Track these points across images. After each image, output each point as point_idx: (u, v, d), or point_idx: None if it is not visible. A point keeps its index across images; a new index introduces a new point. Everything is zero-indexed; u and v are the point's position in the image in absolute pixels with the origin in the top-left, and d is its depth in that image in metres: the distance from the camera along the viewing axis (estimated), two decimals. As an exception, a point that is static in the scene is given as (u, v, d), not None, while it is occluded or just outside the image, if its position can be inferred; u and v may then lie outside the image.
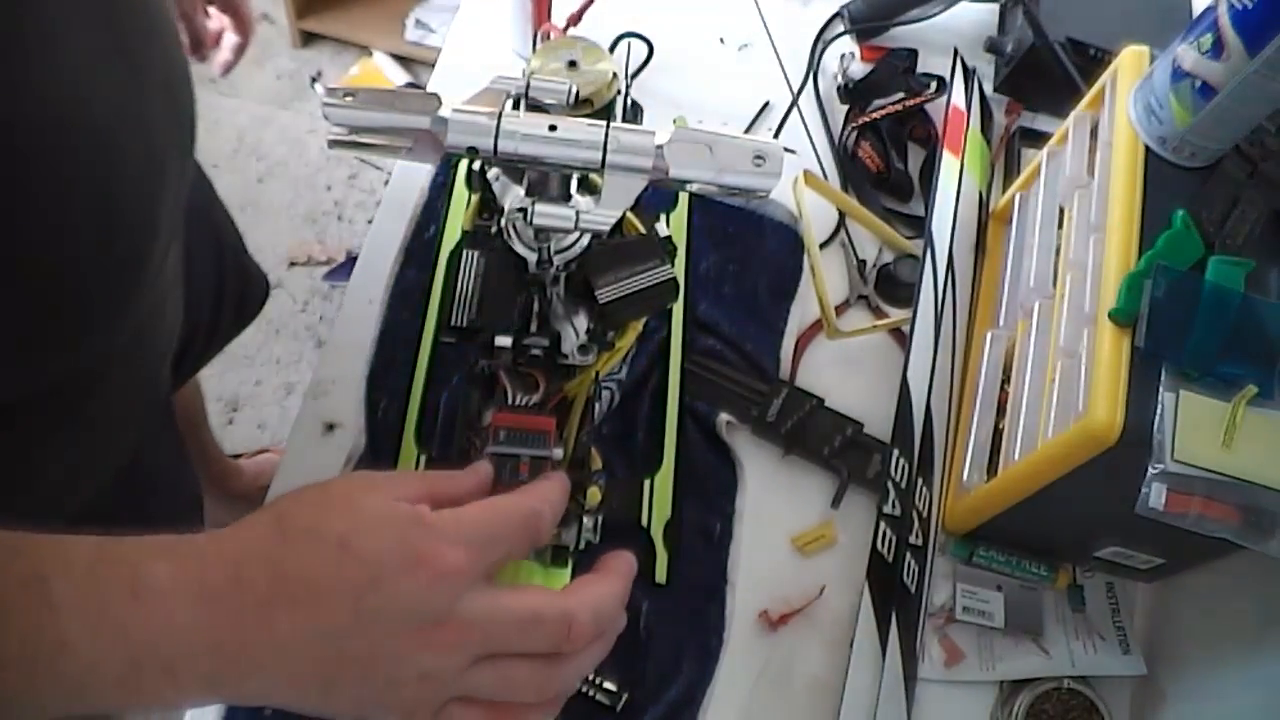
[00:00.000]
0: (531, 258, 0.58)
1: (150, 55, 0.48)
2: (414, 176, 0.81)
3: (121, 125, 0.45)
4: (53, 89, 0.40)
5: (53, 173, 0.41)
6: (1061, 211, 0.69)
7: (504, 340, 0.56)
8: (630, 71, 0.86)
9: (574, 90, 0.56)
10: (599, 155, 0.49)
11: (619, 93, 0.66)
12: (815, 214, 0.79)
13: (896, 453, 0.71)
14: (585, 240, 0.58)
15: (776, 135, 0.89)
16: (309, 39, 1.94)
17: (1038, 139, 0.88)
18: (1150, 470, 0.53)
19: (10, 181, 0.39)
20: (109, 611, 0.34)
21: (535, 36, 0.83)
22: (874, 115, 0.88)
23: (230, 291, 0.82)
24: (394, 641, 0.37)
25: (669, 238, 0.64)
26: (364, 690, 0.37)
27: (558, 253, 0.57)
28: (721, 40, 0.94)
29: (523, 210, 0.54)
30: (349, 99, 0.48)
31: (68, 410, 0.52)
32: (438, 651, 0.37)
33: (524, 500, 0.42)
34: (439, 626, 0.37)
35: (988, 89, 0.92)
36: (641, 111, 0.78)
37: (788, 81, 0.91)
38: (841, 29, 0.94)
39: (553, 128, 0.49)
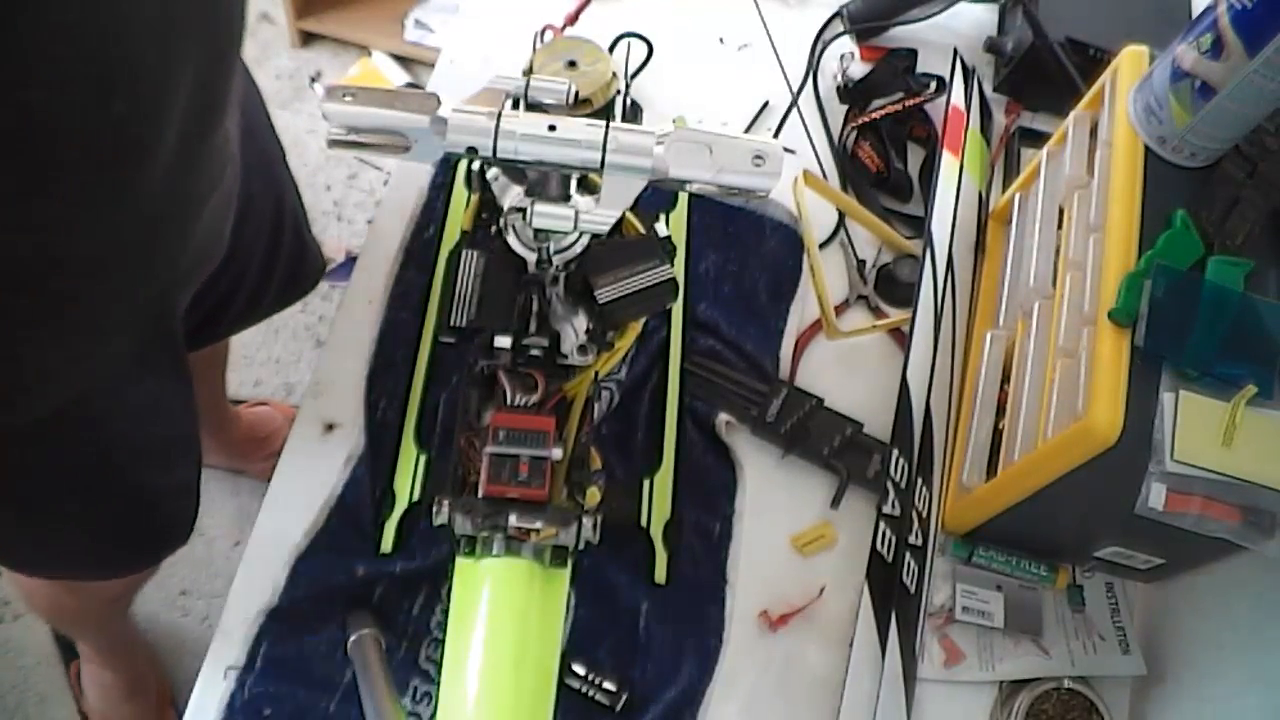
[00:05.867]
0: (531, 258, 0.58)
1: None
2: (414, 176, 0.81)
3: None
4: None
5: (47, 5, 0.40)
6: (1061, 211, 0.69)
7: (503, 340, 0.56)
8: (630, 71, 0.86)
9: (573, 90, 0.56)
10: (598, 155, 0.49)
11: (618, 93, 0.66)
12: (815, 214, 0.79)
13: (896, 453, 0.71)
14: (585, 240, 0.58)
15: (776, 135, 0.89)
16: (308, 39, 1.94)
17: (1037, 139, 0.88)
18: (1150, 470, 0.53)
19: None
20: None
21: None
22: (874, 115, 0.88)
23: (286, 255, 0.82)
24: None
25: (669, 238, 0.64)
26: None
27: (557, 253, 0.57)
28: (721, 40, 0.94)
29: (522, 210, 0.54)
30: (348, 99, 0.48)
31: (50, 299, 0.51)
32: None
33: None
34: None
35: (987, 89, 0.92)
36: (641, 111, 0.78)
37: (787, 82, 0.91)
38: (841, 29, 0.93)
39: (552, 128, 0.49)
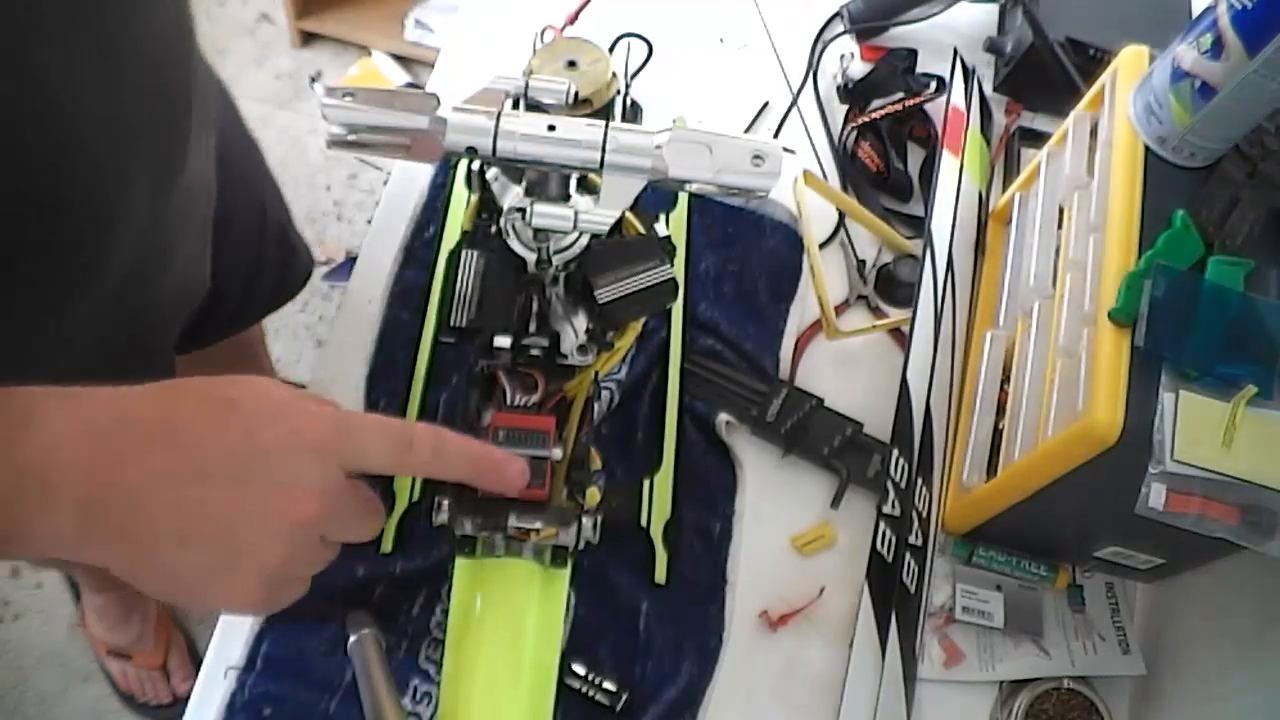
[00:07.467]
0: (531, 258, 0.58)
1: (128, 37, 0.47)
2: (414, 176, 0.81)
3: (78, 105, 0.44)
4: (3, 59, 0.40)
5: None
6: (1061, 211, 0.69)
7: (503, 340, 0.56)
8: (630, 71, 0.85)
9: (573, 90, 0.56)
10: (598, 155, 0.49)
11: (618, 93, 0.66)
12: (815, 214, 0.79)
13: (896, 453, 0.71)
14: (584, 240, 0.58)
15: (776, 135, 0.89)
16: (308, 39, 1.94)
17: (1038, 139, 0.88)
18: (1150, 470, 0.53)
19: None
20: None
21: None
22: (874, 115, 0.88)
23: (270, 264, 0.83)
24: (258, 500, 0.39)
25: (668, 238, 0.64)
26: (217, 551, 0.38)
27: (557, 253, 0.57)
28: (721, 40, 0.94)
29: (522, 210, 0.54)
30: (348, 99, 0.48)
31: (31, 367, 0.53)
32: (296, 521, 0.39)
33: (406, 423, 0.44)
34: (300, 494, 0.39)
35: (987, 89, 0.92)
36: (641, 111, 0.78)
37: (787, 81, 0.91)
38: (841, 29, 0.93)
39: (552, 128, 0.49)
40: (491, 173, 0.61)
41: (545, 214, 0.52)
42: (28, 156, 0.43)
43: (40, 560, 1.18)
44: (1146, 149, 0.61)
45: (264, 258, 0.81)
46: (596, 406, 0.66)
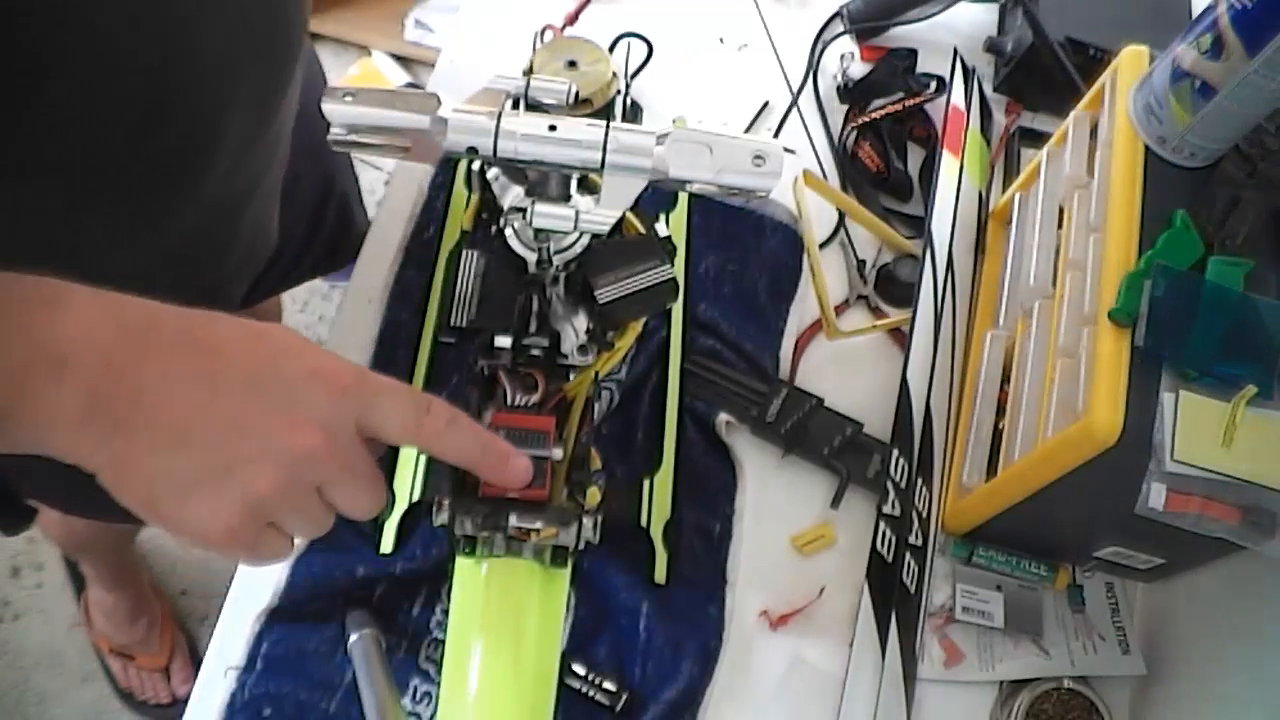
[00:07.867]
0: (531, 258, 0.58)
1: None
2: (414, 176, 0.81)
3: (199, 21, 0.46)
4: None
5: (102, 37, 0.42)
6: (1061, 211, 0.69)
7: (503, 340, 0.56)
8: (630, 71, 0.86)
9: (573, 90, 0.56)
10: (599, 155, 0.49)
11: (618, 93, 0.66)
12: (815, 214, 0.79)
13: (896, 453, 0.71)
14: (585, 240, 0.58)
15: (776, 135, 0.89)
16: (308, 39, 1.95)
17: (1038, 139, 0.88)
18: (1150, 470, 0.53)
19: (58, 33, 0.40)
20: (19, 311, 0.35)
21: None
22: (874, 115, 0.88)
23: (328, 229, 0.84)
24: (267, 417, 0.39)
25: (669, 238, 0.64)
26: (211, 458, 0.38)
27: (557, 253, 0.57)
28: (721, 40, 0.94)
29: (522, 210, 0.54)
30: (349, 99, 0.48)
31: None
32: (298, 450, 0.39)
33: (426, 393, 0.45)
34: (310, 425, 0.39)
35: (987, 89, 0.92)
36: (641, 111, 0.78)
37: (787, 81, 0.91)
38: (841, 29, 0.93)
39: (552, 128, 0.49)
40: (492, 173, 0.61)
41: (546, 214, 0.52)
42: (144, 61, 0.44)
43: (53, 532, 1.18)
44: (1146, 149, 0.61)
45: (321, 226, 0.82)
46: (596, 406, 0.66)
